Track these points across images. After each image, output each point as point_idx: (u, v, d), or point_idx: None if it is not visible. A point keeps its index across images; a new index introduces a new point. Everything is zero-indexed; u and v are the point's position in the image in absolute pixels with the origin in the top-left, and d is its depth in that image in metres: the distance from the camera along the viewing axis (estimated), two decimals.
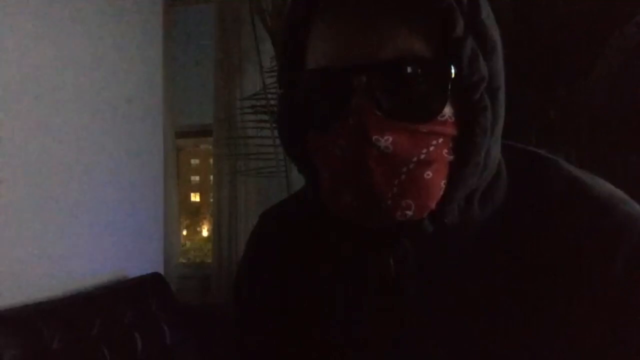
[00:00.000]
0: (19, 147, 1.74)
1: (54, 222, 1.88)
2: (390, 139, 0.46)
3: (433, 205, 0.49)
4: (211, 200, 2.82)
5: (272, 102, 2.55)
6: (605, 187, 0.53)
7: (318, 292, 0.58)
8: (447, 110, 0.48)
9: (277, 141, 2.53)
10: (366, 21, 0.47)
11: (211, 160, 2.81)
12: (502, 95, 0.50)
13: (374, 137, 0.46)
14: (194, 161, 3.97)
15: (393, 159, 0.47)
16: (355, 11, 0.48)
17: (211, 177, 2.82)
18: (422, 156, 0.47)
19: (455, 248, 0.53)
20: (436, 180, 0.48)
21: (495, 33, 0.50)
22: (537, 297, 0.50)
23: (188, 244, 3.77)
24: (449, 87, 0.47)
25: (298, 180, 2.62)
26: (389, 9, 0.47)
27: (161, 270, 2.47)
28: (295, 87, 0.52)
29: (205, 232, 3.83)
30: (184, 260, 3.20)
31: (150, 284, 2.20)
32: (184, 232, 3.60)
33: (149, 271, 2.28)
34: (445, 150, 0.48)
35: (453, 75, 0.47)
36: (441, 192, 0.49)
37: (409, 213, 0.48)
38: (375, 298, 0.55)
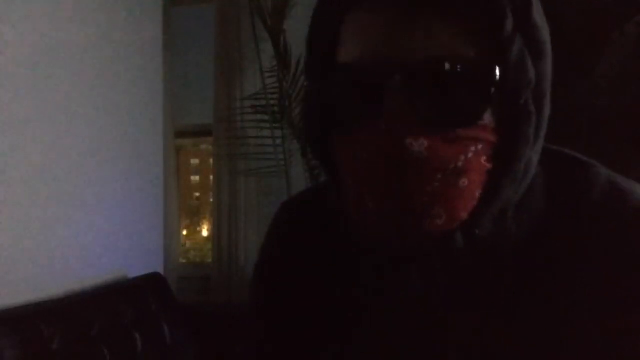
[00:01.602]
0: (18, 147, 1.74)
1: (53, 222, 1.88)
2: (426, 143, 0.42)
3: (465, 215, 0.45)
4: (211, 200, 2.82)
5: (272, 102, 2.55)
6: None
7: (336, 302, 0.54)
8: (488, 116, 0.44)
9: (277, 141, 2.54)
10: (406, 14, 0.43)
11: (211, 160, 2.81)
12: (548, 102, 0.47)
13: (408, 141, 0.42)
14: (194, 161, 3.97)
15: (427, 165, 0.43)
16: (396, 3, 0.44)
17: (211, 177, 2.82)
18: (460, 163, 0.43)
19: (488, 265, 0.48)
20: (472, 189, 0.45)
21: (545, 33, 0.46)
22: (575, 318, 0.46)
23: (188, 244, 3.77)
24: (492, 91, 0.43)
25: (298, 181, 2.62)
26: (433, 3, 0.43)
27: (161, 270, 2.47)
28: (325, 81, 0.48)
29: (205, 232, 3.83)
30: (184, 260, 3.20)
31: (150, 284, 2.20)
32: (184, 232, 3.60)
33: (149, 271, 2.28)
34: (484, 158, 0.45)
35: (498, 78, 0.43)
36: (475, 202, 0.45)
37: (439, 222, 0.44)
38: (400, 314, 0.51)
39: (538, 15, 0.45)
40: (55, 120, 1.90)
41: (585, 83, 1.70)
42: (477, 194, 0.45)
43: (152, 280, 2.23)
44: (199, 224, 3.97)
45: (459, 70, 0.43)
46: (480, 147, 0.44)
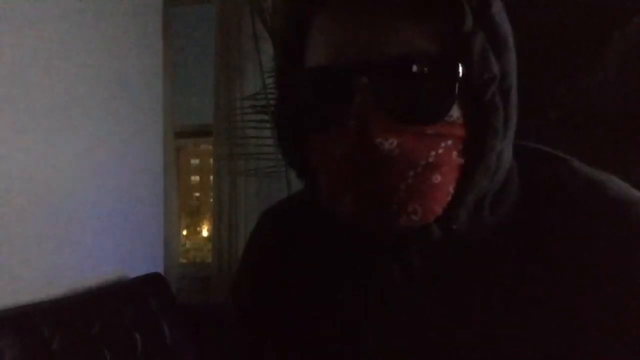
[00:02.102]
0: (18, 147, 1.74)
1: (54, 222, 1.88)
2: (395, 142, 0.44)
3: (440, 210, 0.46)
4: (211, 200, 2.82)
5: (272, 102, 2.55)
6: (621, 188, 0.51)
7: (319, 298, 0.56)
8: (456, 111, 0.45)
9: None
10: (369, 16, 0.44)
11: (211, 160, 2.81)
12: (514, 95, 0.48)
13: (378, 141, 0.43)
14: (194, 161, 3.97)
15: (399, 162, 0.44)
16: (358, 6, 0.45)
17: (211, 177, 2.82)
18: (430, 159, 0.45)
19: (464, 255, 0.50)
20: (445, 184, 0.46)
21: (507, 29, 0.47)
22: (554, 305, 0.47)
23: (188, 244, 3.77)
24: (457, 87, 0.44)
25: (298, 181, 2.62)
26: (395, 3, 0.44)
27: (161, 270, 2.47)
28: (294, 87, 0.50)
29: (205, 232, 3.83)
30: (184, 260, 3.19)
31: (150, 284, 2.20)
32: (184, 232, 3.60)
33: (149, 271, 2.28)
34: (454, 153, 0.46)
35: (462, 74, 0.44)
36: (449, 197, 0.46)
37: (415, 218, 0.45)
38: (379, 306, 0.52)
39: (497, 11, 0.47)
40: (55, 120, 1.90)
41: (585, 83, 1.70)
42: (451, 188, 0.46)
43: (152, 280, 2.23)
44: (199, 224, 3.97)
45: (423, 67, 0.44)
46: (450, 142, 0.45)
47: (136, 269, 2.25)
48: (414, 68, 0.44)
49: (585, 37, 1.70)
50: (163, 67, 2.62)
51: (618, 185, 0.51)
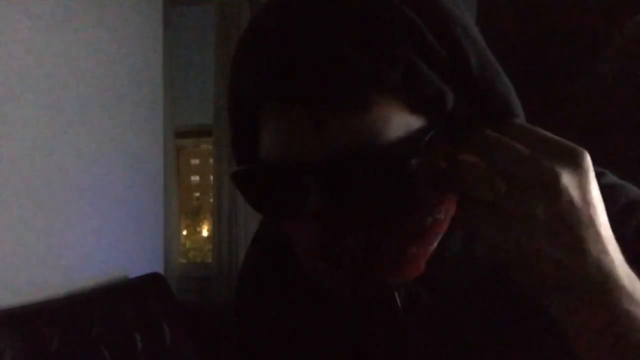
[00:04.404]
0: (18, 147, 1.74)
1: (54, 222, 1.88)
2: (364, 237, 0.40)
3: (432, 249, 0.43)
4: (211, 200, 2.82)
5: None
6: (631, 193, 0.49)
7: (319, 319, 0.54)
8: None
9: None
10: (314, 106, 0.38)
11: (211, 160, 2.81)
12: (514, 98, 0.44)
13: (345, 241, 0.40)
14: (194, 161, 3.97)
15: (375, 250, 0.41)
16: (299, 97, 0.39)
17: (211, 177, 2.82)
18: (411, 249, 0.42)
19: (463, 283, 0.48)
20: (424, 252, 0.43)
21: (504, 90, 0.42)
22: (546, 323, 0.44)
23: (188, 244, 3.77)
24: (412, 181, 0.39)
25: None
26: (340, 95, 0.38)
27: (161, 270, 2.47)
28: (251, 178, 0.45)
29: (205, 232, 3.83)
30: (184, 260, 3.20)
31: (150, 284, 2.20)
32: (184, 232, 3.60)
33: (149, 271, 2.28)
34: (437, 217, 0.42)
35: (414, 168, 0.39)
36: (439, 238, 0.43)
37: (398, 280, 0.43)
38: (380, 333, 0.50)
39: (474, 60, 0.41)
40: (55, 121, 1.90)
41: (585, 83, 1.70)
42: (440, 236, 0.43)
43: (152, 280, 2.23)
44: (199, 224, 3.97)
45: (368, 164, 0.39)
46: (429, 219, 0.41)
47: (136, 269, 2.25)
48: (359, 166, 0.38)
49: (586, 37, 1.70)
50: (163, 67, 2.62)
51: (626, 190, 0.50)
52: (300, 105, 0.39)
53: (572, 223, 0.36)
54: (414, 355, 0.49)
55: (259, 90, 0.41)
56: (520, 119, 0.44)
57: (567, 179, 0.36)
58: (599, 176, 0.39)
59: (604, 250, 0.37)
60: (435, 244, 0.43)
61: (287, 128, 0.40)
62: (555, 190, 0.36)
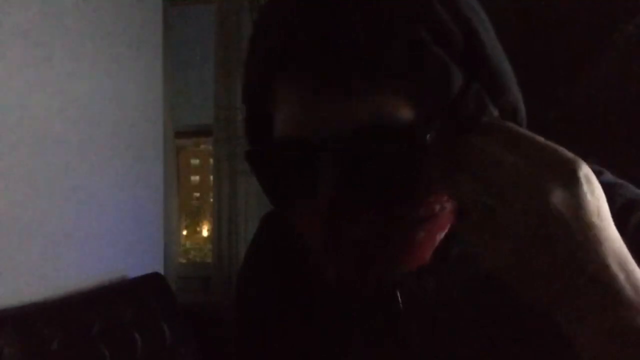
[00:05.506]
0: (18, 147, 1.74)
1: (53, 222, 1.88)
2: (368, 228, 0.39)
3: (427, 257, 0.43)
4: (211, 200, 2.82)
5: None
6: (628, 191, 0.49)
7: (318, 314, 0.54)
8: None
9: None
10: (331, 78, 0.37)
11: (211, 160, 2.81)
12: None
13: (349, 228, 0.39)
14: (194, 161, 3.97)
15: (378, 244, 0.40)
16: (319, 67, 0.37)
17: (211, 177, 2.82)
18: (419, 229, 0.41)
19: (462, 280, 0.48)
20: (431, 240, 0.42)
21: (506, 67, 0.42)
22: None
23: (188, 244, 3.76)
24: (425, 164, 0.38)
25: None
26: (362, 63, 0.37)
27: (161, 270, 2.47)
28: (264, 156, 0.44)
29: (205, 232, 3.83)
30: (184, 260, 3.19)
31: (150, 284, 2.20)
32: (184, 232, 3.60)
33: (149, 271, 2.28)
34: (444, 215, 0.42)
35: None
36: (440, 238, 0.43)
37: (403, 269, 0.43)
38: (380, 331, 0.50)
39: (491, 46, 0.40)
40: (54, 120, 1.90)
41: (585, 83, 1.70)
42: (446, 228, 0.43)
43: (152, 280, 2.23)
44: (199, 224, 3.96)
45: (385, 141, 0.37)
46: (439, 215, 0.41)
47: (136, 269, 2.25)
48: (375, 142, 0.37)
49: (586, 37, 1.70)
50: (163, 67, 2.62)
51: (624, 190, 0.49)
52: (320, 76, 0.37)
53: (564, 241, 0.34)
54: (414, 353, 0.49)
55: (277, 58, 0.39)
56: (520, 111, 0.44)
57: (558, 197, 0.33)
58: (596, 175, 0.38)
59: (603, 265, 0.34)
60: (442, 235, 0.43)
61: (305, 101, 0.38)
62: (543, 210, 0.33)
